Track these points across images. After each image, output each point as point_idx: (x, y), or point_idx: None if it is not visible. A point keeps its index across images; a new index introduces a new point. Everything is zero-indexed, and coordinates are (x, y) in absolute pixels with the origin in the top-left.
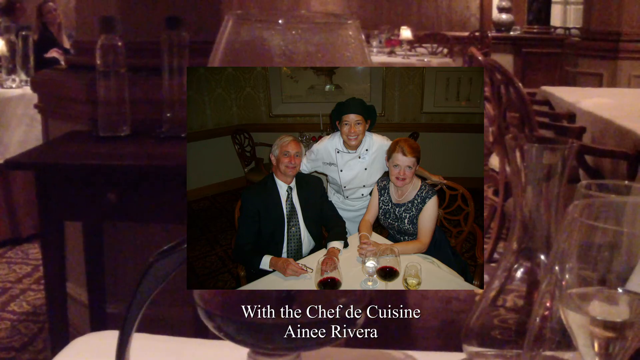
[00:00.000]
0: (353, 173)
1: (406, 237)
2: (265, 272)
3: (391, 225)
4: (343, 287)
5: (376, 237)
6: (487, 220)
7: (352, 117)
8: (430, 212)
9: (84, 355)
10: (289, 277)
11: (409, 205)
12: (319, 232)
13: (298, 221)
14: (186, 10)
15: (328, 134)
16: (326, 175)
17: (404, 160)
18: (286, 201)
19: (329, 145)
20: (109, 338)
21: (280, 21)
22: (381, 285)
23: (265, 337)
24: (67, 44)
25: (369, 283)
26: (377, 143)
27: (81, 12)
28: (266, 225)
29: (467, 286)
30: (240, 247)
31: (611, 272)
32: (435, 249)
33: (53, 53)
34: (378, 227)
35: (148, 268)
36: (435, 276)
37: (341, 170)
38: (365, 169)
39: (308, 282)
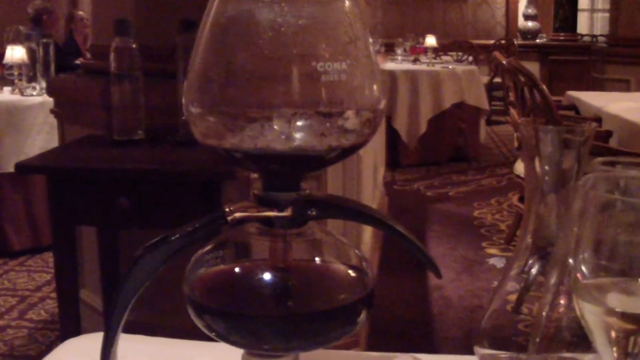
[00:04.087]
0: None
1: None
2: None
3: None
4: None
5: None
6: (512, 228)
7: None
8: None
9: (71, 357)
10: None
11: None
12: None
13: None
14: (201, 13)
15: None
16: None
17: None
18: None
19: None
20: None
21: None
22: None
23: (260, 336)
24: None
25: None
26: None
27: (97, 16)
28: None
29: None
30: None
31: (632, 260)
32: None
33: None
34: None
35: (133, 264)
36: None
37: None
38: None
39: None
